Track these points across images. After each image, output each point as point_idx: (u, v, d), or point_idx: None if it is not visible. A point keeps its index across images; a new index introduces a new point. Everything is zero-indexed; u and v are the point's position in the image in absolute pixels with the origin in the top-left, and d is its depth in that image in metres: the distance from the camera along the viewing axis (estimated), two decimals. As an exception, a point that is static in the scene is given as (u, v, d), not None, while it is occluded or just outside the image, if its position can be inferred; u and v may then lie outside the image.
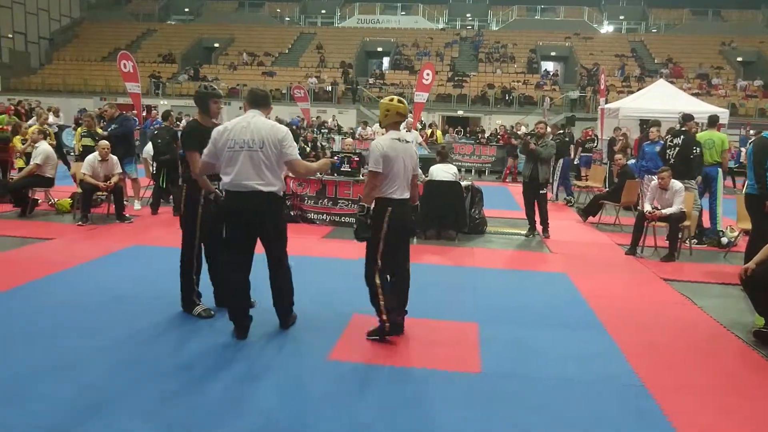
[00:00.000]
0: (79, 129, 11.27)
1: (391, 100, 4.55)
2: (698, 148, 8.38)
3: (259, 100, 4.41)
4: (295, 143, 4.38)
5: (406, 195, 4.48)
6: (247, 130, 4.22)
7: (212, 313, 4.85)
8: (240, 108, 28.48)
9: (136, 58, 17.57)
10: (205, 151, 4.34)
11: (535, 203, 8.70)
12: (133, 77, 14.30)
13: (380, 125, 4.75)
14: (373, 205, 4.35)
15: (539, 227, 8.79)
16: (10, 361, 3.87)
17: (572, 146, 14.55)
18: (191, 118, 5.02)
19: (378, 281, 4.40)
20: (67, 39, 37.40)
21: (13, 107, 17.90)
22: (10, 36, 33.90)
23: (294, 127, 20.63)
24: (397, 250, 4.48)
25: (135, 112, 15.24)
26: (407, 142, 4.52)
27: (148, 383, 3.65)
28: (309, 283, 5.83)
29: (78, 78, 31.13)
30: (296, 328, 4.66)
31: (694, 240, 8.41)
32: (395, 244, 4.44)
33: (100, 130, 9.84)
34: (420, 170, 4.66)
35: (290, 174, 5.40)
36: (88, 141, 9.58)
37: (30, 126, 11.24)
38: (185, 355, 4.09)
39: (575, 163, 14.53)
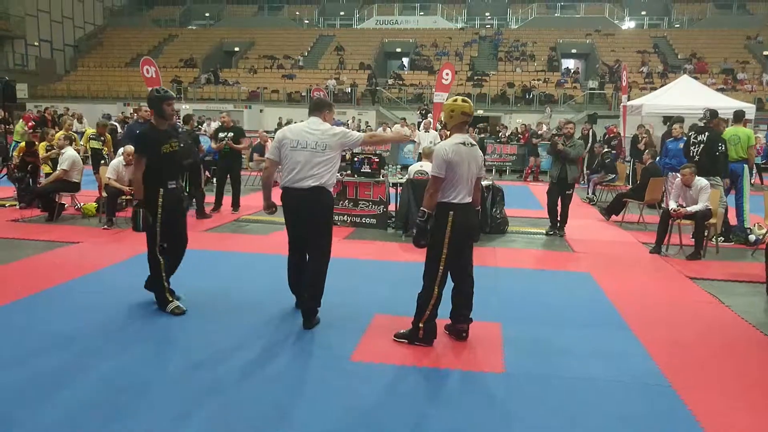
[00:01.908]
0: (87, 131, 11.88)
1: (455, 100, 4.38)
2: (723, 145, 8.24)
3: (315, 106, 4.88)
4: (354, 131, 4.95)
5: (469, 199, 4.33)
6: (305, 132, 4.68)
7: (184, 310, 4.94)
8: (261, 111, 28.79)
9: (159, 64, 17.82)
10: (271, 151, 4.84)
11: (559, 202, 8.67)
12: (155, 82, 14.52)
13: (446, 128, 4.79)
14: (433, 211, 4.24)
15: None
16: (46, 363, 3.95)
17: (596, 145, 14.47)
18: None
19: (436, 291, 4.27)
20: (92, 46, 38.04)
21: (32, 116, 18.23)
22: (36, 44, 34.59)
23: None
24: (460, 255, 4.36)
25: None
26: (473, 145, 4.36)
27: (171, 384, 3.69)
28: (330, 284, 5.83)
29: (102, 84, 31.64)
30: (318, 328, 4.68)
31: (721, 238, 8.26)
32: (458, 249, 4.30)
33: (109, 137, 11.12)
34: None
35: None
36: (96, 144, 10.68)
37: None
38: (207, 356, 4.12)
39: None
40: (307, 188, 4.58)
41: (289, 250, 4.97)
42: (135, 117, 11.74)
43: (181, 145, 5.13)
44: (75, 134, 12.22)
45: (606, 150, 13.51)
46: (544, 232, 8.88)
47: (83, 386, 3.62)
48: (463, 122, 4.37)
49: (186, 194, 9.39)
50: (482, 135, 17.12)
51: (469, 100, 4.42)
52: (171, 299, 4.97)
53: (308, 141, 4.64)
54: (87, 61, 36.05)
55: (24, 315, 4.85)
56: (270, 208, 4.95)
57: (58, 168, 9.03)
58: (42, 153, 10.20)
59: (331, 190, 4.76)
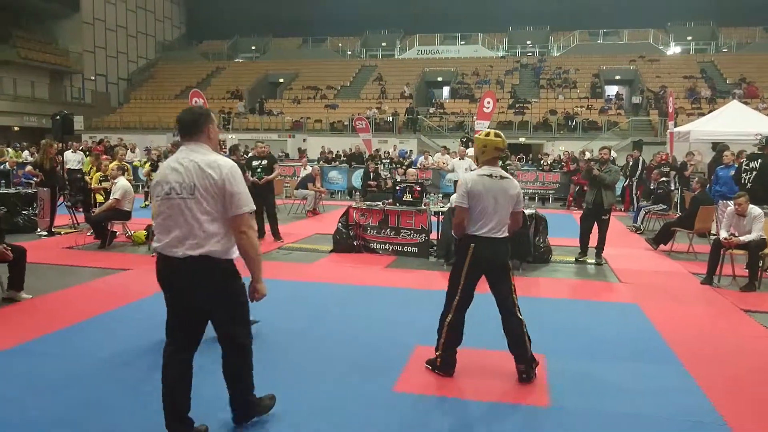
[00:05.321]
0: (144, 166, 12.41)
1: (488, 135, 4.34)
2: (778, 172, 7.97)
3: (187, 128, 3.17)
4: (245, 185, 3.15)
5: (498, 233, 4.20)
6: (176, 171, 3.08)
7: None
8: (304, 140, 29.24)
9: (206, 95, 18.46)
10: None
11: (594, 227, 8.63)
12: (203, 114, 15.01)
13: (477, 162, 4.52)
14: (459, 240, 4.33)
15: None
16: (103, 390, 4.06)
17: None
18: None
19: (448, 319, 4.27)
20: (144, 79, 39.67)
21: (97, 146, 19.00)
22: (93, 78, 36.30)
23: (401, 158, 21.21)
24: (494, 288, 4.31)
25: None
26: (502, 177, 4.24)
27: (211, 412, 3.72)
28: (371, 313, 5.88)
29: (153, 115, 32.84)
30: (360, 358, 4.65)
31: (777, 268, 7.94)
32: (492, 281, 4.29)
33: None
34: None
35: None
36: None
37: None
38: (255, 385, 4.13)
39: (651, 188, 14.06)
40: (184, 257, 3.02)
41: (167, 341, 3.29)
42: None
43: None
44: (127, 164, 12.71)
45: (662, 180, 13.23)
46: (590, 261, 8.71)
47: (131, 412, 3.70)
48: (495, 156, 4.33)
49: None
50: (508, 162, 17.03)
51: (501, 135, 4.36)
52: None
53: (171, 182, 3.05)
54: (139, 93, 37.56)
55: (77, 340, 5.00)
56: None
57: (111, 197, 9.38)
58: (95, 183, 10.61)
59: (229, 257, 3.11)
